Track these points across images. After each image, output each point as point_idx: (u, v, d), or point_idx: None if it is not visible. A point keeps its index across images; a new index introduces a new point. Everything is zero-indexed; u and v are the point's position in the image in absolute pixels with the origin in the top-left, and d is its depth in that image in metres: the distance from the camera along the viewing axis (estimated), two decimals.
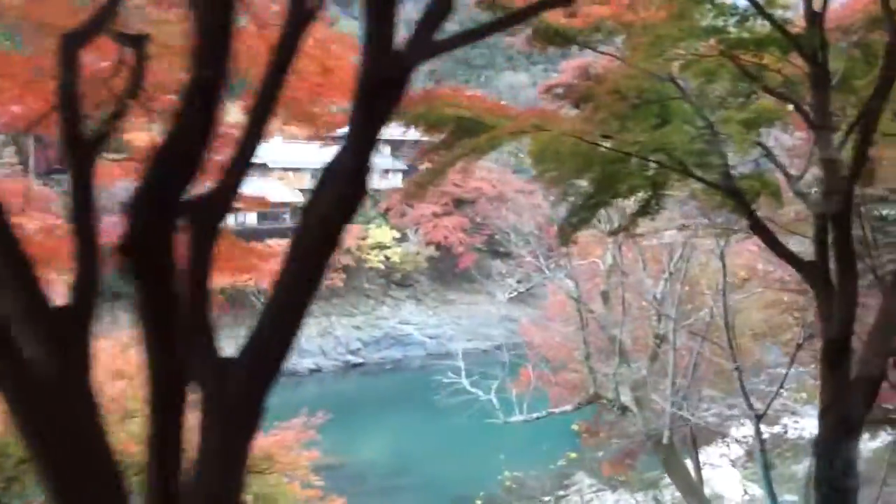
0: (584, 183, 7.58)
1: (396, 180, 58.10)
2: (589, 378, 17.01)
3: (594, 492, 26.88)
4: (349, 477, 36.26)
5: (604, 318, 17.29)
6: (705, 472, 21.06)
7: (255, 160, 3.19)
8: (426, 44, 2.93)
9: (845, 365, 5.80)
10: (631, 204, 9.08)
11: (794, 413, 22.70)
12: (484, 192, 53.22)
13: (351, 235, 53.41)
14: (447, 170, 6.98)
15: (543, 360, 20.06)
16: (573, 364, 19.33)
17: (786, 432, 19.71)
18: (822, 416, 5.87)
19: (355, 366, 51.93)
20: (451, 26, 3.19)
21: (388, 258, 54.14)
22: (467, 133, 7.14)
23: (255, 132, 3.11)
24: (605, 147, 6.35)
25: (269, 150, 55.92)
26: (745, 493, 21.08)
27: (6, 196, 3.67)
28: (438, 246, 55.03)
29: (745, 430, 19.07)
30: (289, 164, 56.27)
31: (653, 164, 7.49)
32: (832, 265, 6.19)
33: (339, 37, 6.43)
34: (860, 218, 9.23)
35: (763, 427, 25.06)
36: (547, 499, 26.62)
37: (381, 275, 55.19)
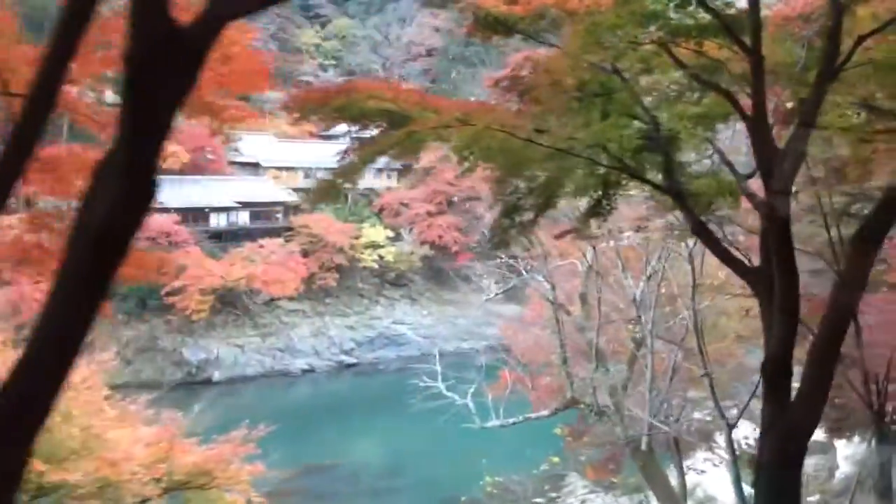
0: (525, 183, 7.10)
1: (392, 179, 57.75)
2: (566, 382, 16.50)
3: (587, 493, 26.54)
4: (342, 478, 36.04)
5: (581, 320, 16.78)
6: (697, 476, 20.54)
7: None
8: (218, 5, 2.41)
9: (786, 383, 5.26)
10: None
11: None
12: (477, 190, 52.77)
13: (344, 235, 53.00)
14: (361, 168, 6.45)
15: (522, 363, 19.56)
16: (553, 367, 18.84)
17: None
18: (763, 439, 5.31)
19: (349, 366, 51.54)
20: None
21: (381, 257, 53.72)
22: (399, 128, 6.64)
23: (31, 125, 2.62)
24: (538, 143, 5.84)
25: (262, 149, 55.74)
26: None
27: None
28: (433, 245, 54.59)
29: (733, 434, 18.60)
30: (281, 163, 55.94)
31: (607, 162, 6.99)
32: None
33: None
34: (825, 217, 8.70)
35: (754, 429, 24.53)
36: (539, 500, 26.30)
37: (375, 274, 54.77)
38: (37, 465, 7.31)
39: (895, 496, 10.01)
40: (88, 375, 9.27)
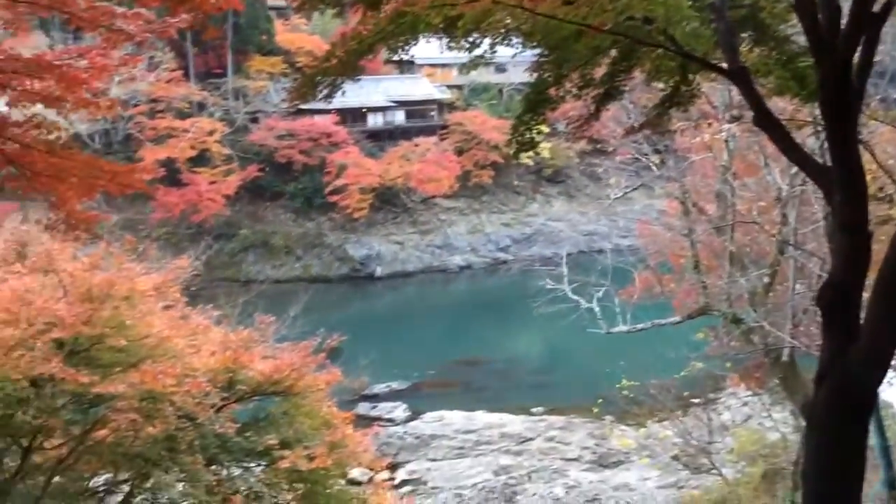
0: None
1: None
2: (699, 287, 15.14)
3: (749, 395, 25.33)
4: (496, 372, 36.92)
5: (718, 221, 15.14)
6: None
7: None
8: None
9: (848, 318, 4.04)
10: None
11: None
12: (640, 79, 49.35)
13: (499, 131, 51.89)
14: (353, 63, 5.55)
15: (659, 264, 18.29)
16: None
17: None
18: (817, 387, 4.14)
19: (504, 262, 51.59)
20: None
21: (537, 153, 52.25)
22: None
23: None
24: (556, 18, 4.75)
25: (416, 46, 55.05)
26: None
27: None
28: (591, 140, 52.32)
29: None
30: (436, 61, 55.08)
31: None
32: None
33: None
34: None
35: None
36: (697, 400, 25.29)
37: (530, 171, 53.75)
38: (84, 376, 7.49)
39: None
40: (161, 283, 9.41)
